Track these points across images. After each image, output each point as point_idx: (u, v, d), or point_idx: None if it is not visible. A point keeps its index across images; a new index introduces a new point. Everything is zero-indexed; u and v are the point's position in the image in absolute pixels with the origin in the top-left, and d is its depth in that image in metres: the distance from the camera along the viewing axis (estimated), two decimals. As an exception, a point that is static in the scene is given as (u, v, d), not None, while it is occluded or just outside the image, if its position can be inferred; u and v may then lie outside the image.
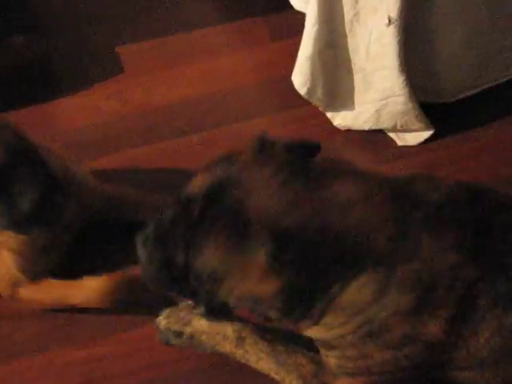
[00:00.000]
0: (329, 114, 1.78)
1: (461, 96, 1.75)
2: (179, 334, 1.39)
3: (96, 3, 2.16)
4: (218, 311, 1.19)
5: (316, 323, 1.16)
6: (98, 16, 2.12)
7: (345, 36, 1.63)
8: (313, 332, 1.19)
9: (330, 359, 1.23)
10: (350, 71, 1.68)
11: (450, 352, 1.13)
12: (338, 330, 1.15)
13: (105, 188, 1.61)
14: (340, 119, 1.77)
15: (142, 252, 1.22)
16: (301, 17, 1.70)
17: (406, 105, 1.64)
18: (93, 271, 1.51)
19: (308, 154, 1.19)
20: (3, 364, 1.47)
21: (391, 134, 1.76)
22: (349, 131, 1.78)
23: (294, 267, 1.08)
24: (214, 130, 1.82)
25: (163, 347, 1.42)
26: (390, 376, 1.19)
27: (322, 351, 1.24)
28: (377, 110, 1.69)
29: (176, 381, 1.42)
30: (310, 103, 1.75)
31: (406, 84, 1.61)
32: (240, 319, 1.36)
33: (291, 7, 1.85)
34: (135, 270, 1.45)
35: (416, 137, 1.74)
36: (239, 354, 1.34)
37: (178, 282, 1.18)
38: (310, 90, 1.70)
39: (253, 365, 1.34)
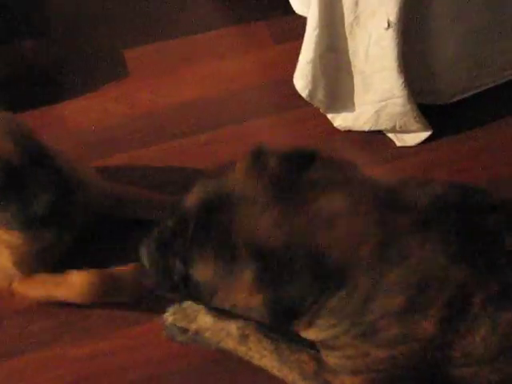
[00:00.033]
0: (329, 116, 1.79)
1: (458, 97, 1.75)
2: (185, 331, 1.39)
3: (104, 9, 2.17)
4: (219, 311, 1.26)
5: (307, 328, 1.17)
6: (105, 21, 2.13)
7: (345, 39, 1.63)
8: (308, 334, 1.20)
9: (330, 358, 1.24)
10: (350, 73, 1.68)
11: (446, 350, 1.13)
12: (330, 332, 1.16)
13: (111, 187, 1.61)
14: (340, 120, 1.77)
15: (146, 259, 1.25)
16: (302, 21, 1.70)
17: (404, 106, 1.65)
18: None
19: (304, 162, 1.19)
20: (15, 357, 1.48)
21: (390, 135, 1.77)
22: (349, 132, 1.78)
23: (278, 285, 1.10)
24: (218, 131, 1.83)
25: (169, 343, 1.42)
26: (389, 374, 1.19)
27: (322, 351, 1.25)
28: (376, 112, 1.69)
29: (181, 376, 1.43)
30: (311, 105, 1.75)
31: (405, 86, 1.61)
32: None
33: (293, 11, 1.85)
34: (119, 269, 1.48)
35: (414, 137, 1.74)
36: (242, 350, 1.34)
37: (180, 288, 1.22)
38: (312, 92, 1.70)
39: (256, 362, 1.34)
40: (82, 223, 1.53)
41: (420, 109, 1.68)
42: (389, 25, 1.53)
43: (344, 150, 1.77)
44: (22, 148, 1.35)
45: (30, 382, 1.45)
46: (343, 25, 1.60)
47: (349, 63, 1.66)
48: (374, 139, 1.77)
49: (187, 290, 1.21)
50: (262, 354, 1.33)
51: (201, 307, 1.39)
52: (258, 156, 1.18)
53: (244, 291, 1.15)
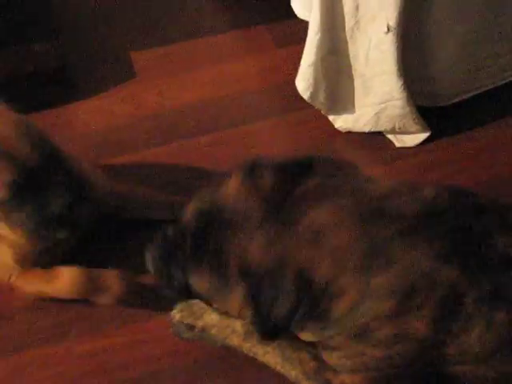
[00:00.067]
0: (330, 117, 1.79)
1: (456, 99, 1.75)
2: (191, 328, 1.40)
3: (112, 13, 2.18)
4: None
5: (300, 331, 1.19)
6: (113, 25, 2.14)
7: (346, 43, 1.63)
8: (303, 336, 1.22)
9: (330, 358, 1.24)
10: (350, 76, 1.68)
11: (442, 348, 1.13)
12: (322, 333, 1.18)
13: (117, 187, 1.61)
14: (341, 122, 1.78)
15: (150, 266, 1.30)
16: (304, 25, 1.70)
17: (403, 108, 1.65)
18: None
19: (301, 170, 1.20)
20: (20, 352, 1.48)
21: (390, 136, 1.77)
22: (349, 133, 1.78)
23: (267, 304, 1.13)
24: (221, 132, 1.83)
25: (174, 340, 1.43)
26: (388, 372, 1.19)
27: (322, 351, 1.26)
28: (376, 113, 1.70)
29: (186, 372, 1.43)
30: (312, 106, 1.76)
31: (404, 88, 1.62)
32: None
33: (295, 16, 1.85)
34: (105, 271, 1.48)
35: (413, 139, 1.75)
36: (247, 347, 1.35)
37: (182, 293, 1.27)
38: (313, 95, 1.71)
39: (260, 358, 1.34)
40: (87, 223, 1.53)
41: (419, 110, 1.69)
42: (388, 29, 1.53)
43: (345, 150, 1.78)
44: (38, 149, 1.35)
45: (32, 378, 1.44)
46: (344, 29, 1.61)
47: (349, 66, 1.67)
48: (374, 140, 1.77)
49: (189, 294, 1.25)
50: (265, 351, 1.33)
51: (207, 305, 1.40)
52: (252, 169, 1.20)
53: (237, 304, 1.20)
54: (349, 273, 1.11)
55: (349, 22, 1.59)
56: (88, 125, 1.88)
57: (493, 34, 1.68)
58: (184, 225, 1.21)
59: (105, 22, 2.15)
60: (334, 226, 1.12)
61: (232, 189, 1.19)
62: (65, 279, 1.47)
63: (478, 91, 1.77)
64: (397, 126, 1.71)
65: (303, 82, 1.70)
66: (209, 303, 1.34)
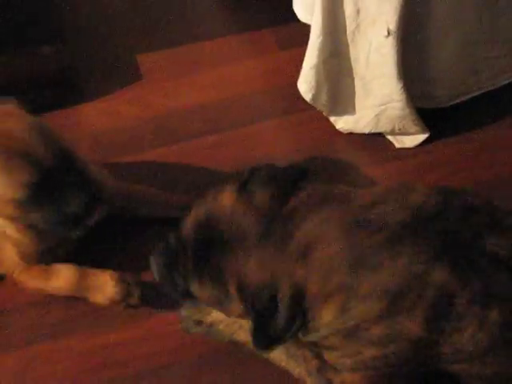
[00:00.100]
0: (332, 119, 1.79)
1: (455, 101, 1.75)
2: (199, 323, 1.41)
3: (118, 16, 2.18)
4: None
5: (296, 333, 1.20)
6: (119, 28, 2.14)
7: (347, 46, 1.63)
8: (300, 336, 1.22)
9: (330, 358, 1.25)
10: (351, 79, 1.68)
11: (436, 347, 1.13)
12: (316, 335, 1.19)
13: (123, 187, 1.61)
14: (342, 123, 1.78)
15: (155, 273, 1.31)
16: (306, 28, 1.70)
17: (403, 110, 1.65)
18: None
19: (297, 177, 1.21)
20: (33, 345, 1.48)
21: (390, 137, 1.77)
22: (350, 134, 1.79)
23: (263, 321, 1.15)
24: (226, 132, 1.84)
25: (180, 334, 1.43)
26: (386, 371, 1.20)
27: (323, 350, 1.26)
28: (376, 115, 1.70)
29: (191, 367, 1.43)
30: (314, 108, 1.76)
31: (404, 91, 1.62)
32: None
33: (297, 19, 1.85)
34: (101, 272, 1.48)
35: (413, 139, 1.75)
36: None
37: (186, 298, 1.29)
38: (315, 96, 1.71)
39: (265, 354, 1.35)
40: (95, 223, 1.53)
41: (418, 111, 1.68)
42: (389, 33, 1.53)
43: (345, 151, 1.78)
44: (52, 150, 1.33)
45: (35, 374, 1.45)
46: (345, 32, 1.61)
47: (350, 69, 1.67)
48: (374, 141, 1.77)
49: (194, 298, 1.27)
50: None
51: None
52: (246, 183, 1.21)
53: (237, 314, 1.22)
54: (338, 282, 1.11)
55: (350, 26, 1.59)
56: (95, 126, 1.89)
57: (492, 36, 1.67)
58: (184, 237, 1.23)
59: (112, 26, 2.16)
60: (320, 242, 1.13)
61: (227, 200, 1.20)
62: (61, 277, 1.48)
63: (478, 93, 1.76)
64: (396, 128, 1.71)
65: (305, 84, 1.70)
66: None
